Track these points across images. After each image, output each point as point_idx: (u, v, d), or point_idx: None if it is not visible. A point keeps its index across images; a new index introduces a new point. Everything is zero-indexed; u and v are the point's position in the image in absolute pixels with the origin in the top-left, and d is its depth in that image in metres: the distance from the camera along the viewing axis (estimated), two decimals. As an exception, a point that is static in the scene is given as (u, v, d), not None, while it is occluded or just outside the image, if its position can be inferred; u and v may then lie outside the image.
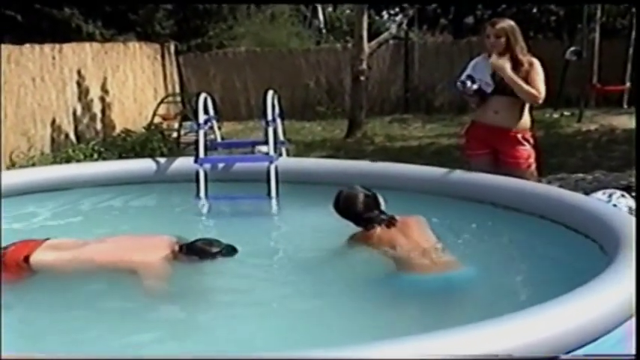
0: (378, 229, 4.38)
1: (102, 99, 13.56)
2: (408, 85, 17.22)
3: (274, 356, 2.62)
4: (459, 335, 2.63)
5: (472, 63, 5.67)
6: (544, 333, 2.69)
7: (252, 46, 18.56)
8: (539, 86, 5.43)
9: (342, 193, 4.57)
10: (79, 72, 12.74)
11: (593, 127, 13.34)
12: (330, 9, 26.96)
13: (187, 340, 3.62)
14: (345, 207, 4.51)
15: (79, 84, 12.74)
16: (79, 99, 12.78)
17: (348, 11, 26.36)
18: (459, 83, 5.60)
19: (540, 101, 5.48)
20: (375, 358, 2.51)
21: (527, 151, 5.59)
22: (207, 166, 6.17)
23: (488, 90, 5.55)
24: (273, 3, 20.94)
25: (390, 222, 4.42)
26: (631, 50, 15.30)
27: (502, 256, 4.82)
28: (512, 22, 5.53)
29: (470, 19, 23.55)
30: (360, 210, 4.46)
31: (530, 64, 5.47)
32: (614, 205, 4.98)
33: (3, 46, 10.73)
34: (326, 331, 3.57)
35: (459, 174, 5.65)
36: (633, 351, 2.78)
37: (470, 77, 5.56)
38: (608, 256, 3.60)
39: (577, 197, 4.90)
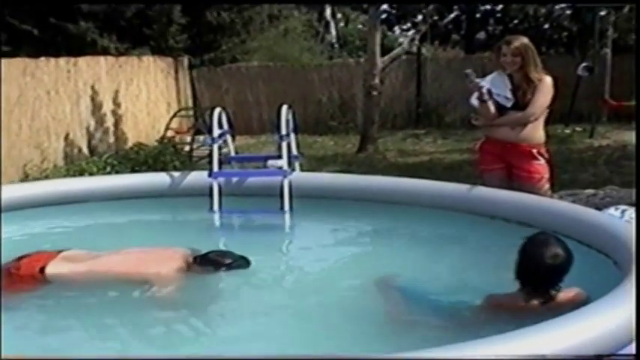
0: (534, 302, 3.56)
1: (115, 112, 13.63)
2: (420, 100, 17.23)
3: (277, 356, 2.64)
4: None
5: (488, 78, 5.69)
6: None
7: (265, 61, 18.61)
8: (532, 106, 5.47)
9: (555, 246, 3.58)
10: (92, 86, 12.82)
11: (604, 142, 13.32)
12: (342, 24, 27.05)
13: (199, 351, 3.64)
14: (552, 268, 3.54)
15: (92, 97, 12.81)
16: (93, 112, 12.85)
17: (360, 26, 26.43)
18: (469, 76, 5.61)
19: (532, 119, 5.52)
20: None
21: (541, 166, 5.61)
22: (221, 179, 6.20)
23: (508, 105, 5.57)
24: (287, 2, 20.96)
25: (548, 299, 3.56)
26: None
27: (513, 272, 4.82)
28: (526, 41, 5.57)
29: (482, 35, 23.61)
30: (560, 279, 3.58)
31: (539, 81, 5.50)
32: (627, 221, 4.97)
33: (19, 59, 10.84)
34: (336, 343, 3.59)
35: (470, 189, 5.65)
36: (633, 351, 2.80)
37: (488, 91, 5.58)
38: (622, 271, 3.61)
39: (590, 213, 4.90)
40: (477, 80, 5.56)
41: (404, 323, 3.83)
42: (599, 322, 2.89)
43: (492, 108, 5.58)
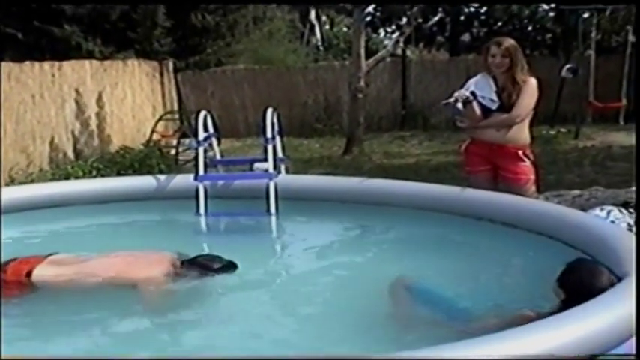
0: None
1: (100, 116, 13.58)
2: (406, 102, 17.28)
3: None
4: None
5: (472, 80, 5.72)
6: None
7: (250, 64, 18.62)
8: (517, 107, 5.50)
9: (608, 273, 3.46)
10: (77, 89, 12.77)
11: (589, 143, 13.39)
12: (327, 26, 27.10)
13: (186, 355, 3.64)
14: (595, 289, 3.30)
15: (78, 101, 12.76)
16: (78, 116, 12.79)
17: (345, 29, 26.50)
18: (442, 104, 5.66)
19: (518, 121, 5.55)
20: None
21: (527, 167, 5.63)
22: (207, 183, 6.19)
23: (494, 107, 5.60)
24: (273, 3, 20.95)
25: None
26: (626, 67, 15.38)
27: (500, 273, 4.85)
28: (514, 42, 5.61)
29: (466, 37, 23.67)
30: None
31: (524, 83, 5.53)
32: (612, 222, 5.00)
33: (3, 63, 10.77)
34: (325, 344, 3.60)
35: (456, 191, 5.68)
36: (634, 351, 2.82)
37: (472, 93, 5.61)
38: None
39: (575, 214, 4.93)
40: (459, 93, 5.58)
41: (409, 324, 3.82)
42: (589, 322, 2.90)
43: (477, 110, 5.60)
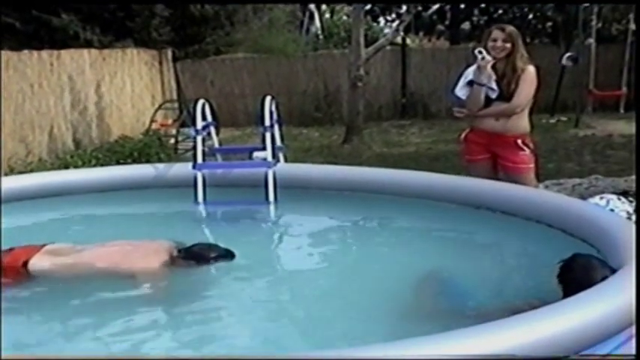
0: None
1: (99, 105, 13.55)
2: (405, 90, 17.25)
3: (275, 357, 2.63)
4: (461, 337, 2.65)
5: (470, 69, 5.69)
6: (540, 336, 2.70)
7: (250, 53, 18.56)
8: (517, 97, 5.47)
9: (604, 266, 3.49)
10: (76, 79, 12.72)
11: (589, 132, 13.38)
12: (327, 15, 27.01)
13: (184, 345, 3.63)
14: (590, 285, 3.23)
15: (77, 90, 12.72)
16: (77, 105, 12.76)
17: (345, 17, 26.41)
18: (476, 52, 5.56)
19: (517, 110, 5.51)
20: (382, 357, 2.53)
21: (527, 156, 5.62)
22: (206, 171, 6.18)
23: (493, 96, 5.57)
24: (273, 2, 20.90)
25: None
26: (627, 56, 15.37)
27: (499, 261, 4.84)
28: (516, 30, 5.60)
29: (466, 25, 23.62)
30: None
31: (523, 71, 5.50)
32: (612, 210, 4.99)
33: (1, 52, 10.73)
34: (321, 335, 3.58)
35: (456, 179, 5.67)
36: (633, 351, 2.80)
37: (470, 83, 5.59)
38: (605, 259, 3.62)
39: (575, 202, 4.92)
40: (489, 58, 5.49)
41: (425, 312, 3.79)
42: (582, 314, 2.88)
43: (483, 95, 5.56)
